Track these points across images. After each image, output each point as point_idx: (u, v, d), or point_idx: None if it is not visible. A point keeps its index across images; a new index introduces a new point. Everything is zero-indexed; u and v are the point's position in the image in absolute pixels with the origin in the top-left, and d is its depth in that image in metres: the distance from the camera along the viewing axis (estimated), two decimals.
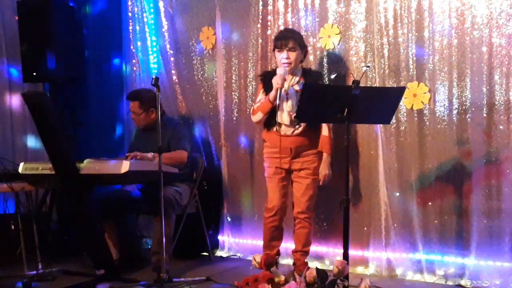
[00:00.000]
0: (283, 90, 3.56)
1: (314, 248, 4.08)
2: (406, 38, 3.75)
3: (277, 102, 3.53)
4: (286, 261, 4.11)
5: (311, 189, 3.71)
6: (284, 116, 3.64)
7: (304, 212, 3.72)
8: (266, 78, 3.72)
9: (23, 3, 4.59)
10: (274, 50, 3.71)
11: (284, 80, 3.56)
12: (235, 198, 4.59)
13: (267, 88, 3.66)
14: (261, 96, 3.73)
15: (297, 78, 3.67)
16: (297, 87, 3.64)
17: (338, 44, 4.02)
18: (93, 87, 5.04)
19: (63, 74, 4.65)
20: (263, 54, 4.36)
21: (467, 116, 3.59)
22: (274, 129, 3.69)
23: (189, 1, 4.72)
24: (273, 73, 3.69)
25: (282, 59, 3.61)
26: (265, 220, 3.79)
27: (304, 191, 3.70)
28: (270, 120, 3.69)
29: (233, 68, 4.52)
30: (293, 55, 3.61)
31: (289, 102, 3.62)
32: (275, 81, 3.53)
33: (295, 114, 3.54)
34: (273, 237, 3.79)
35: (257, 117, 3.69)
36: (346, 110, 3.06)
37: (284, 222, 3.82)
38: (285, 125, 3.65)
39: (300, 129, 3.66)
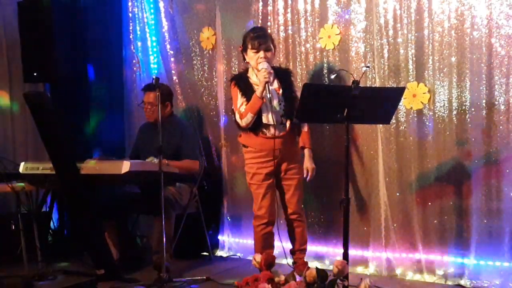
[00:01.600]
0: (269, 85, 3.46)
1: (314, 248, 4.09)
2: (405, 38, 3.75)
3: (269, 95, 3.44)
4: (286, 261, 4.11)
5: (299, 189, 3.68)
6: (270, 117, 3.50)
7: (296, 212, 3.69)
8: (240, 82, 3.61)
9: (24, 4, 4.59)
10: (245, 50, 3.60)
11: (271, 73, 3.48)
12: (235, 198, 4.59)
13: (245, 90, 3.55)
14: (241, 99, 3.56)
15: (271, 78, 3.56)
16: (275, 86, 3.58)
17: (338, 44, 4.02)
18: (93, 87, 5.04)
19: (63, 74, 4.65)
20: None
21: (467, 116, 3.59)
22: (260, 132, 3.58)
23: (189, 1, 4.73)
24: (244, 75, 3.63)
25: (260, 59, 3.51)
26: (256, 229, 3.67)
27: (293, 192, 3.66)
28: (258, 123, 3.54)
29: (233, 68, 4.52)
30: (269, 55, 3.54)
31: (274, 102, 3.52)
32: (262, 76, 3.43)
33: (282, 113, 3.55)
34: (266, 244, 3.67)
35: (247, 119, 3.51)
36: (346, 110, 3.07)
37: (277, 224, 3.80)
38: (272, 126, 3.53)
39: (287, 128, 3.59)
